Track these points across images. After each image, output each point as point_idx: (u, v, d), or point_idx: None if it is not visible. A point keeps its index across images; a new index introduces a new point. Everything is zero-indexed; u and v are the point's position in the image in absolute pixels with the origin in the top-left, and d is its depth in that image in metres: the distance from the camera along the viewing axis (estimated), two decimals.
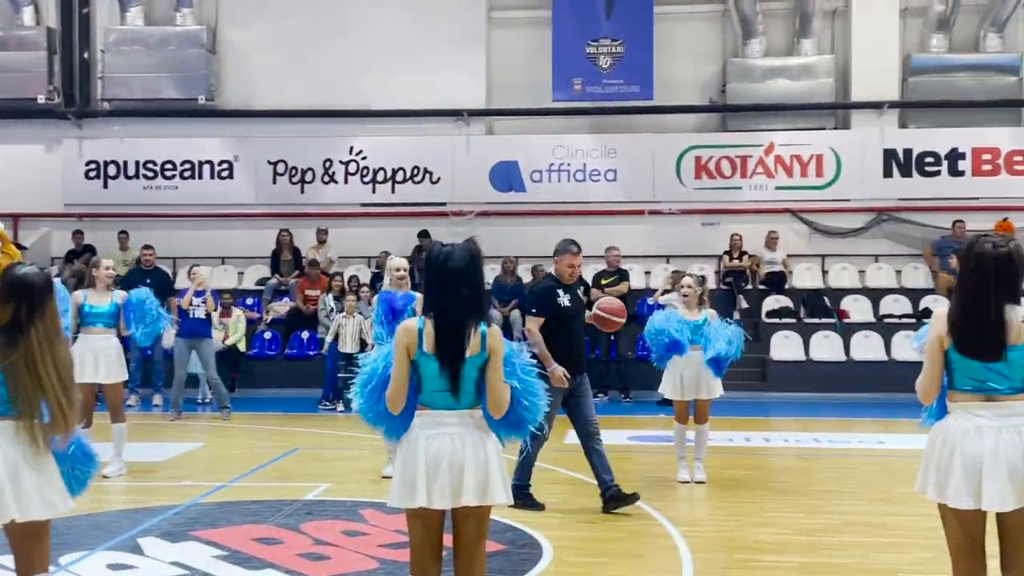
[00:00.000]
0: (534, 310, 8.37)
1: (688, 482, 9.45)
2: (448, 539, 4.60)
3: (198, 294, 13.64)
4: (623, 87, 18.60)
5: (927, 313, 17.15)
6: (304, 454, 11.27)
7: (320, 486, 9.25)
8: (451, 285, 4.54)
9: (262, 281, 18.54)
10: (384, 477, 9.59)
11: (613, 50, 18.55)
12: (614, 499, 8.17)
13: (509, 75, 19.10)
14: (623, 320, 8.46)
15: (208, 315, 13.77)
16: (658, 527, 7.81)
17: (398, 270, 9.44)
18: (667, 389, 9.46)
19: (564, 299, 8.31)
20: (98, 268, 9.96)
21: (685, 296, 9.35)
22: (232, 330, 16.54)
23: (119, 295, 9.96)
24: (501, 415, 4.57)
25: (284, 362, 17.03)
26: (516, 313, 17.09)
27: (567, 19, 18.74)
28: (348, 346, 14.89)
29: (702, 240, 18.49)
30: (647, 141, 18.80)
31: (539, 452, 8.15)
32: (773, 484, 9.70)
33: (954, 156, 18.25)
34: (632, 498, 8.16)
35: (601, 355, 16.12)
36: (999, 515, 4.35)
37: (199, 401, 15.67)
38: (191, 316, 13.57)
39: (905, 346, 16.39)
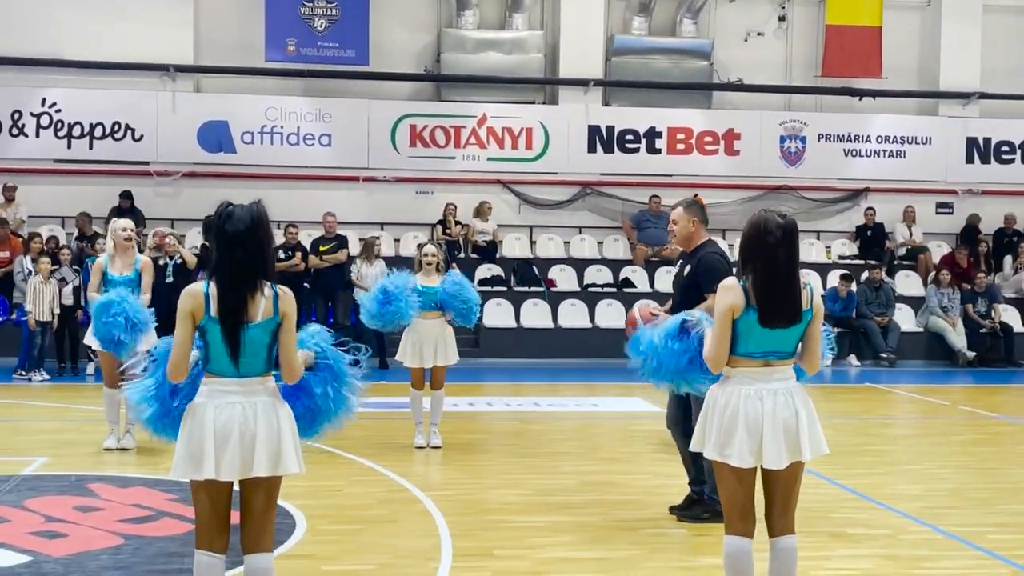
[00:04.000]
0: None
1: (424, 447, 9.53)
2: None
3: None
4: (338, 51, 18.35)
5: (627, 283, 18.14)
6: (7, 426, 10.46)
7: (36, 460, 8.64)
8: (232, 247, 4.36)
9: None
10: (106, 449, 9.11)
11: (328, 12, 18.25)
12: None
13: (219, 31, 18.39)
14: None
15: None
16: (405, 492, 7.85)
17: (427, 255, 9.36)
18: (404, 355, 9.49)
19: None
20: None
21: (428, 264, 9.39)
22: None
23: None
24: (295, 381, 4.46)
25: None
26: None
27: None
28: (44, 314, 13.92)
29: (418, 208, 18.60)
30: (362, 107, 18.67)
31: None
32: (506, 447, 9.95)
33: (652, 135, 19.30)
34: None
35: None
36: (770, 472, 4.68)
37: None
38: None
39: (608, 314, 17.23)
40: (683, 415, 7.07)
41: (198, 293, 4.35)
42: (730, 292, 4.61)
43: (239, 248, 4.32)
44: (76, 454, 9.05)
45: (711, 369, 4.74)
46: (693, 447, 4.85)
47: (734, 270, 5.03)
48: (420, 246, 9.72)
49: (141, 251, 10.53)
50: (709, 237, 7.18)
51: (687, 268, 7.09)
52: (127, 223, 9.45)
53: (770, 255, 4.56)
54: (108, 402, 9.23)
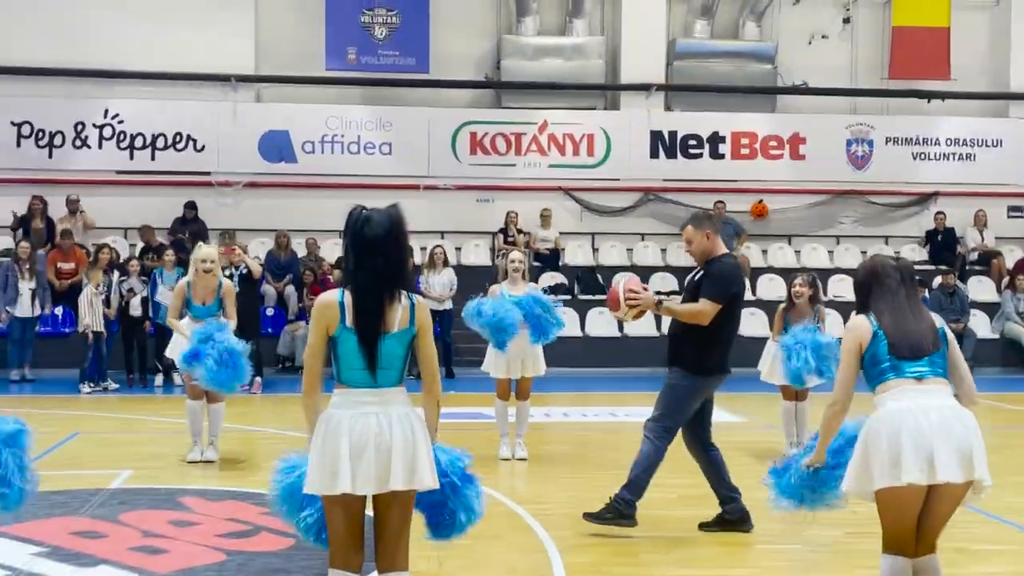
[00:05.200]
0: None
1: (509, 459, 9.34)
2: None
3: None
4: (399, 59, 18.25)
5: None
6: (88, 438, 10.38)
7: (122, 473, 8.52)
8: (368, 254, 4.18)
9: (5, 252, 16.96)
10: (189, 462, 8.99)
11: (389, 20, 18.16)
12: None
13: (280, 41, 18.34)
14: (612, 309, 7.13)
15: None
16: (501, 506, 7.64)
17: (513, 261, 9.21)
18: (491, 367, 9.31)
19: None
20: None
21: (515, 271, 9.20)
22: None
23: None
24: (437, 395, 4.29)
25: (35, 340, 15.60)
26: (291, 288, 16.52)
27: None
28: (98, 324, 13.89)
29: (479, 216, 18.44)
30: (423, 115, 18.56)
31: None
32: (590, 458, 9.73)
33: (715, 139, 19.04)
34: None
35: None
36: (936, 489, 4.44)
37: None
38: None
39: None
40: (704, 432, 7.02)
41: (332, 303, 4.18)
42: (857, 330, 4.65)
43: (377, 254, 4.14)
44: (160, 467, 8.93)
45: (840, 408, 4.68)
46: (849, 490, 4.60)
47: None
48: (505, 254, 9.56)
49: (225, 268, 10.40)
50: (727, 251, 6.97)
51: (699, 274, 6.91)
52: (209, 254, 9.09)
53: (894, 297, 4.62)
54: (191, 414, 9.11)
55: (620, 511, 6.77)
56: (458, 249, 18.15)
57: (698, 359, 6.71)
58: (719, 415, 12.01)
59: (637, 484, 6.82)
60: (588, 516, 6.86)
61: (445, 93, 18.82)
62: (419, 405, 4.32)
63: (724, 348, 6.79)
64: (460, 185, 18.54)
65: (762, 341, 10.68)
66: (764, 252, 18.90)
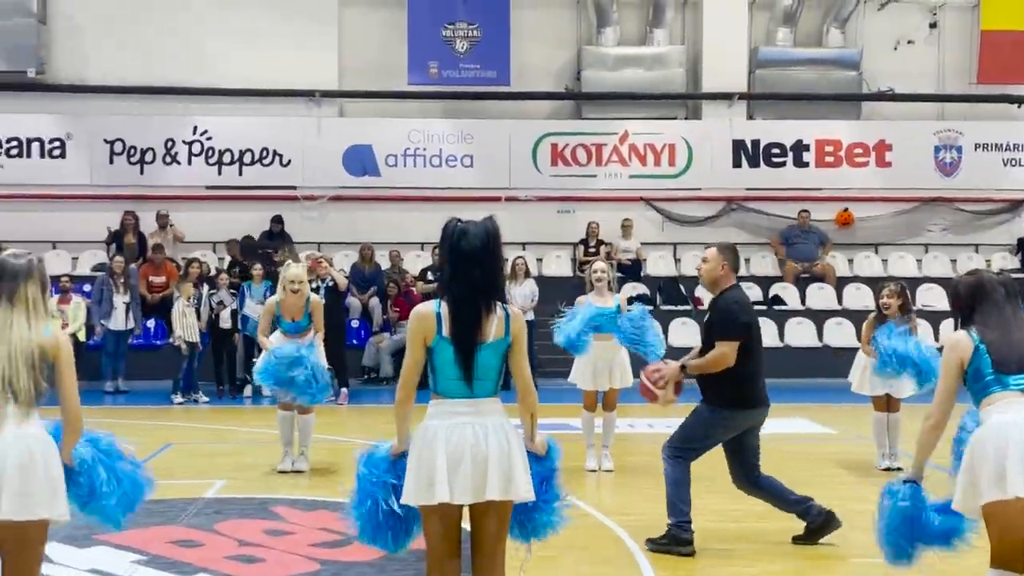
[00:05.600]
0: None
1: (596, 470, 9.33)
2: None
3: None
4: (480, 72, 18.36)
5: (777, 300, 17.68)
6: (181, 449, 10.60)
7: (215, 483, 8.69)
8: (465, 265, 4.24)
9: (99, 267, 17.43)
10: (280, 472, 9.14)
11: (470, 34, 18.29)
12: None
13: (362, 56, 18.56)
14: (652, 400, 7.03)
15: None
16: (588, 517, 7.65)
17: (596, 271, 9.24)
18: (577, 378, 9.31)
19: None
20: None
21: (599, 282, 9.20)
22: (71, 318, 15.43)
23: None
24: (532, 406, 4.33)
25: (129, 353, 15.99)
26: (375, 300, 16.69)
27: (423, 0, 18.35)
28: (190, 335, 14.19)
29: (560, 227, 18.47)
30: (503, 127, 18.65)
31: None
32: None
33: (799, 147, 18.82)
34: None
35: None
36: None
37: None
38: None
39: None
40: (746, 468, 6.87)
41: (429, 314, 4.24)
42: (957, 347, 4.60)
43: (474, 266, 4.20)
44: (253, 476, 9.10)
45: (939, 424, 4.61)
46: (957, 506, 4.51)
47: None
48: (588, 264, 9.56)
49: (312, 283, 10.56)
50: (736, 283, 6.90)
51: (708, 315, 6.92)
52: (298, 275, 9.21)
53: (1000, 312, 4.60)
54: (282, 425, 9.26)
55: (675, 536, 6.71)
56: (539, 260, 18.18)
57: (718, 394, 6.67)
58: (809, 427, 12.00)
59: (673, 506, 6.78)
60: (649, 542, 6.82)
61: (526, 105, 18.89)
62: (515, 416, 4.36)
63: (747, 382, 6.65)
64: (541, 196, 18.58)
65: (851, 352, 10.55)
66: (850, 261, 18.63)
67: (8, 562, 4.02)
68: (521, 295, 15.35)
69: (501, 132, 18.62)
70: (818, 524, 6.88)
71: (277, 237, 17.40)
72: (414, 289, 16.48)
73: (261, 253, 16.65)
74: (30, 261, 4.19)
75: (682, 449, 6.82)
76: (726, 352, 6.53)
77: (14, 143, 18.04)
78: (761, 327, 7.02)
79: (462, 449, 4.15)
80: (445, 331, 4.20)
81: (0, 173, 17.96)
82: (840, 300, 17.85)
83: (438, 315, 4.23)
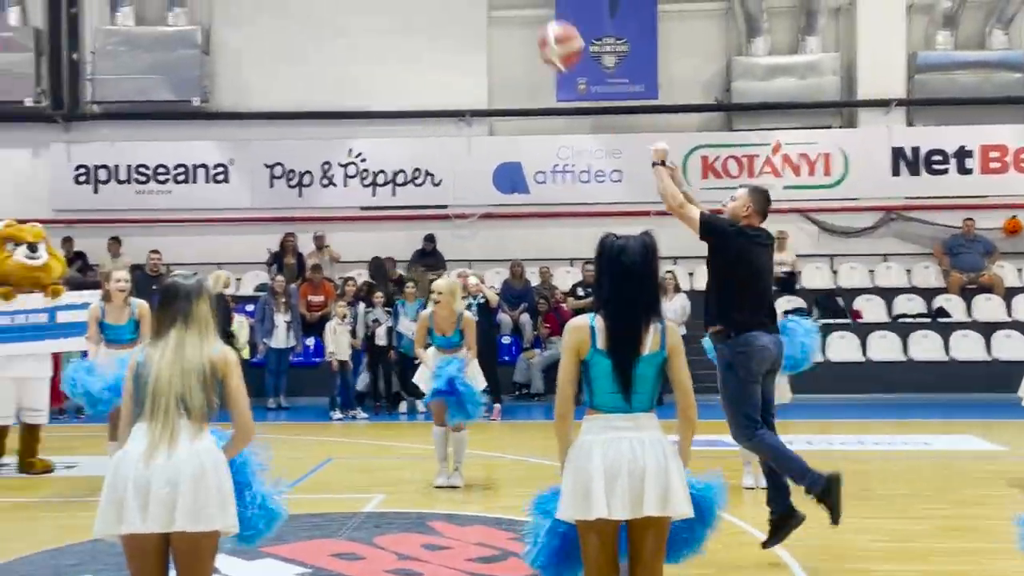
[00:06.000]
0: None
1: (753, 488, 9.12)
2: None
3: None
4: (628, 86, 18.33)
5: (942, 312, 17.05)
6: (340, 464, 10.83)
7: (374, 497, 8.83)
8: (624, 280, 4.22)
9: (261, 287, 18.02)
10: (437, 487, 9.24)
11: (617, 49, 18.28)
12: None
13: (511, 75, 18.73)
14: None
15: None
16: (744, 535, 7.48)
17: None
18: None
19: None
20: (109, 281, 9.42)
21: None
22: (236, 336, 16.00)
23: (137, 306, 9.39)
24: (692, 419, 4.27)
25: (290, 370, 16.45)
26: (526, 317, 16.77)
27: (570, 17, 17.95)
28: (343, 353, 14.49)
29: None
30: (652, 141, 18.37)
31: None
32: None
33: (962, 154, 18.15)
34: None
35: None
36: None
37: None
38: None
39: (922, 345, 16.26)
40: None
41: (584, 327, 4.23)
42: None
43: (632, 280, 4.19)
44: (410, 491, 9.21)
45: None
46: None
47: None
48: None
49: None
50: (760, 228, 6.68)
51: None
52: (436, 285, 9.35)
53: None
54: (438, 441, 9.38)
55: (782, 515, 6.52)
56: (690, 274, 17.94)
57: (723, 324, 6.41)
58: (978, 444, 11.50)
59: (791, 472, 6.48)
60: (765, 545, 6.65)
61: (675, 118, 18.74)
62: (671, 433, 4.30)
63: (740, 308, 6.38)
64: None
65: (1021, 365, 10.09)
66: (1020, 271, 17.84)
67: (183, 573, 4.16)
68: (672, 310, 15.20)
69: (649, 146, 18.42)
70: (819, 491, 6.38)
71: (430, 256, 17.68)
72: (564, 305, 16.49)
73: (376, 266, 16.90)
74: (199, 281, 4.34)
75: (744, 420, 6.45)
76: (693, 215, 6.55)
77: (181, 170, 18.83)
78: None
79: (619, 464, 4.12)
80: (600, 343, 4.18)
81: (168, 199, 18.80)
82: (1009, 311, 17.10)
83: (592, 328, 4.22)
